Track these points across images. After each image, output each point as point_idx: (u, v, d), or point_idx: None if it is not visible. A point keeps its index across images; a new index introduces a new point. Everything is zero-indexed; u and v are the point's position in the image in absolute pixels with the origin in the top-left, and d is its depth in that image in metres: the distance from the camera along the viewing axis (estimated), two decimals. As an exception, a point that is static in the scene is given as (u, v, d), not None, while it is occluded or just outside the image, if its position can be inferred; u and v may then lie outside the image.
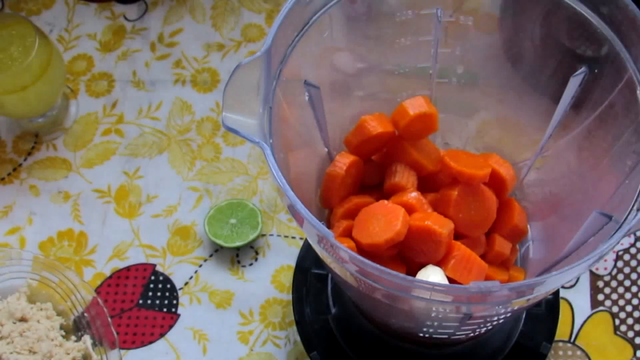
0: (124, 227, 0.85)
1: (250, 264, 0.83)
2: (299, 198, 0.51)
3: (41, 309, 0.78)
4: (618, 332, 0.79)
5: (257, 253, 0.84)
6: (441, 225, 0.62)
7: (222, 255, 0.84)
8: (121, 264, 0.84)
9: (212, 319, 0.81)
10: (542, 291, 0.51)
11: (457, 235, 0.65)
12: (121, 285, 0.83)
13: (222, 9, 0.95)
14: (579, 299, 0.80)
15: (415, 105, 0.66)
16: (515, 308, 0.57)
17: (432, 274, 0.61)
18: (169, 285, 0.83)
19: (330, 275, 0.78)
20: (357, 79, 0.69)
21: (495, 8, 0.65)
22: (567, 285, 0.81)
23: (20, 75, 0.79)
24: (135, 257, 0.84)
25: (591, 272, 0.82)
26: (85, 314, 0.78)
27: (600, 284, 0.81)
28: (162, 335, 0.81)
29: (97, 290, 0.83)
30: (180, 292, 0.82)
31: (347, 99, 0.69)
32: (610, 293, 0.81)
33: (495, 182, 0.67)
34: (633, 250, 0.82)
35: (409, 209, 0.63)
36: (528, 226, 0.71)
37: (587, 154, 0.64)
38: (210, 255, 0.84)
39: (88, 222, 0.86)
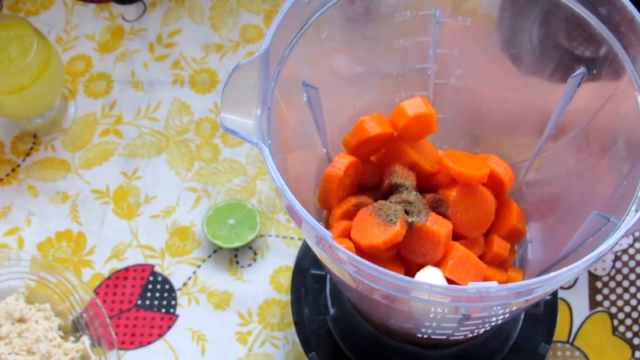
0: (123, 227, 0.85)
1: (249, 265, 0.83)
2: (297, 199, 0.51)
3: (40, 310, 0.78)
4: (616, 333, 0.79)
5: (255, 254, 0.84)
6: (440, 226, 0.62)
7: (221, 255, 0.84)
8: (120, 265, 0.84)
9: (210, 320, 0.81)
10: (540, 292, 0.51)
11: (456, 236, 0.65)
12: (120, 286, 0.83)
13: (221, 10, 0.95)
14: (577, 300, 0.81)
15: (413, 106, 0.66)
16: (514, 309, 0.57)
17: (431, 275, 0.61)
18: (167, 286, 0.83)
19: (328, 276, 0.78)
20: (356, 80, 0.69)
21: (494, 9, 0.65)
22: (566, 285, 0.81)
23: (18, 75, 0.79)
24: (133, 257, 0.84)
25: (590, 273, 0.82)
26: (84, 315, 0.78)
27: (599, 284, 0.81)
28: (160, 335, 0.81)
29: (96, 291, 0.82)
30: (178, 293, 0.82)
31: (346, 100, 0.69)
32: (609, 294, 0.81)
33: (494, 182, 0.68)
34: (631, 251, 0.82)
35: (408, 210, 0.63)
36: (526, 227, 0.71)
37: (586, 154, 0.64)
38: (209, 256, 0.84)
39: (86, 222, 0.86)
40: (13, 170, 0.88)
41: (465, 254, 0.62)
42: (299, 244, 0.84)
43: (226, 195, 0.86)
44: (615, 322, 0.80)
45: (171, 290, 0.82)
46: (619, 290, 0.81)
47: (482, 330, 0.63)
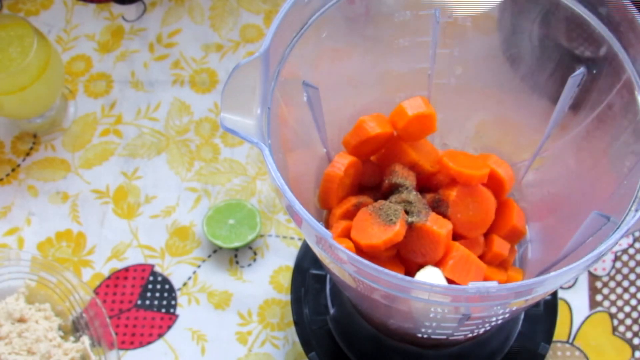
0: (123, 227, 0.85)
1: (249, 265, 0.83)
2: (297, 198, 0.51)
3: (40, 310, 0.78)
4: (616, 333, 0.79)
5: (255, 254, 0.84)
6: (440, 226, 0.62)
7: (221, 255, 0.84)
8: (120, 265, 0.84)
9: (210, 320, 0.81)
10: (540, 292, 0.51)
11: (456, 236, 0.65)
12: (120, 286, 0.83)
13: (221, 10, 0.95)
14: (577, 300, 0.81)
15: (413, 106, 0.66)
16: (514, 309, 0.57)
17: (431, 275, 0.61)
18: (167, 286, 0.83)
19: (328, 276, 0.78)
20: (356, 80, 0.69)
21: (494, 9, 0.65)
22: (566, 285, 0.81)
23: (18, 75, 0.79)
24: (133, 257, 0.84)
25: (589, 273, 0.82)
26: (84, 315, 0.78)
27: (599, 284, 0.81)
28: (160, 335, 0.81)
29: (96, 291, 0.82)
30: (178, 293, 0.82)
31: (346, 100, 0.69)
32: (609, 294, 0.81)
33: (494, 182, 0.68)
34: (631, 251, 0.82)
35: (408, 210, 0.63)
36: (526, 227, 0.71)
37: (586, 154, 0.64)
38: (209, 256, 0.84)
39: (86, 222, 0.86)
40: (13, 170, 0.88)
41: (465, 254, 0.62)
42: (299, 244, 0.84)
43: (226, 195, 0.86)
44: (615, 322, 0.80)
45: (171, 290, 0.82)
46: (619, 290, 0.81)
47: (482, 330, 0.63)
